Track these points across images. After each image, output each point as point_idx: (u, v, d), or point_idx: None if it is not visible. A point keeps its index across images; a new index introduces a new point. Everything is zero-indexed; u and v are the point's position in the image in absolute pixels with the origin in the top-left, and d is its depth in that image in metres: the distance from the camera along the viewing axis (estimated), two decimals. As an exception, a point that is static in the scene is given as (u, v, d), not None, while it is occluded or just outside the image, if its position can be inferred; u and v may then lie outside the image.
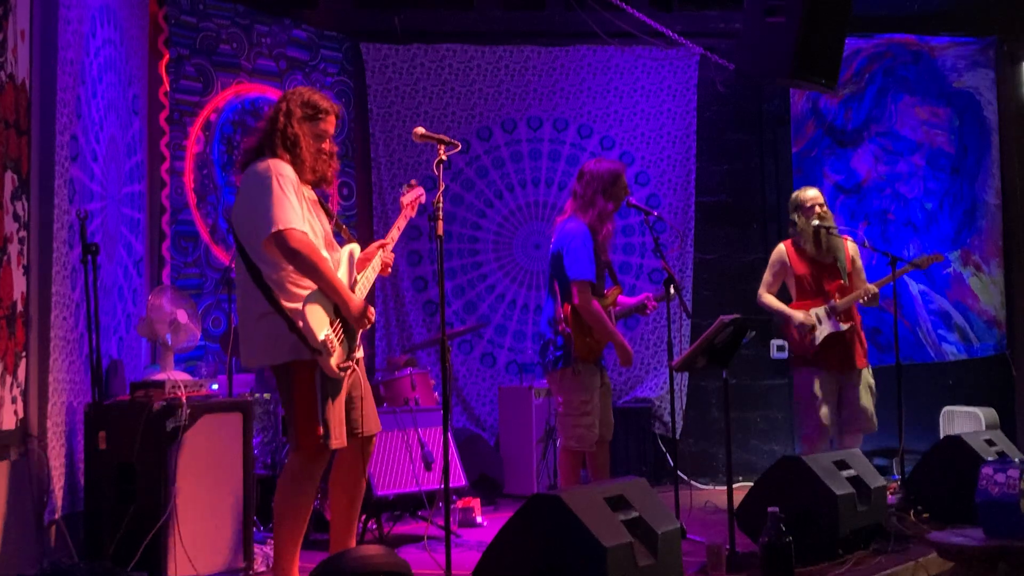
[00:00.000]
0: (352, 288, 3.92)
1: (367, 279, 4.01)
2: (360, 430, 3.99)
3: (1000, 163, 8.19)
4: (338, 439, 3.83)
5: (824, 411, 5.68)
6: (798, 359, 5.83)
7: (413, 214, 4.26)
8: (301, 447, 3.84)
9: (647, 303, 5.25)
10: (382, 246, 4.10)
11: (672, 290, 5.14)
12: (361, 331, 3.94)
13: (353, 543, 4.05)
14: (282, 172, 3.80)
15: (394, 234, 4.15)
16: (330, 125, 4.00)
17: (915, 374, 7.45)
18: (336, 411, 3.83)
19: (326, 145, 3.99)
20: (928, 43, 8.11)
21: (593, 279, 5.00)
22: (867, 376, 5.81)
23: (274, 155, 3.86)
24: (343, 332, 3.84)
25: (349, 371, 3.86)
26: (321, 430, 3.78)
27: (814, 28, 5.51)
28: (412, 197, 4.25)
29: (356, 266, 4.03)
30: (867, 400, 5.76)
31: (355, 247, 4.05)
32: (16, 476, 3.94)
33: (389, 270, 4.14)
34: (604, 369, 5.22)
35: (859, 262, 5.99)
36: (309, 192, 3.98)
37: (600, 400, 5.09)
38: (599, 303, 5.04)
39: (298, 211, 3.76)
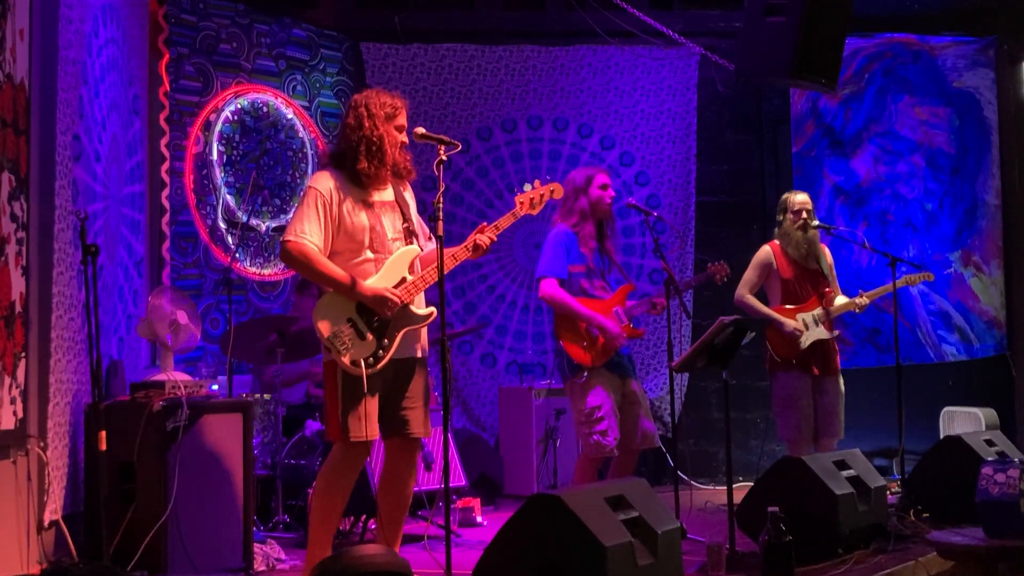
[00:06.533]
0: (398, 286, 3.94)
1: (430, 274, 3.99)
2: (408, 431, 4.03)
3: (1000, 163, 8.20)
4: (357, 433, 3.84)
5: (807, 413, 5.66)
6: (777, 361, 5.77)
7: (534, 212, 4.24)
8: (331, 439, 3.98)
9: (655, 302, 5.17)
10: (481, 231, 4.08)
11: (672, 291, 5.13)
12: (414, 327, 3.99)
13: (397, 547, 4.05)
14: (319, 186, 3.92)
15: (501, 222, 4.11)
16: (404, 118, 4.08)
17: (915, 374, 7.43)
18: (361, 407, 3.83)
19: (404, 138, 4.08)
20: (928, 43, 8.11)
21: (558, 274, 5.03)
22: (840, 382, 5.81)
23: (356, 161, 3.93)
24: (369, 329, 3.87)
25: (374, 367, 3.86)
26: (340, 424, 3.84)
27: (814, 28, 5.49)
28: (537, 194, 4.24)
29: (423, 265, 4.06)
30: (841, 406, 5.76)
31: (412, 249, 4.06)
32: (16, 476, 3.94)
33: (481, 252, 4.08)
34: (627, 375, 5.14)
35: (834, 271, 5.98)
36: (382, 195, 4.04)
37: (625, 408, 5.06)
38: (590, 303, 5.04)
39: (314, 222, 3.87)
